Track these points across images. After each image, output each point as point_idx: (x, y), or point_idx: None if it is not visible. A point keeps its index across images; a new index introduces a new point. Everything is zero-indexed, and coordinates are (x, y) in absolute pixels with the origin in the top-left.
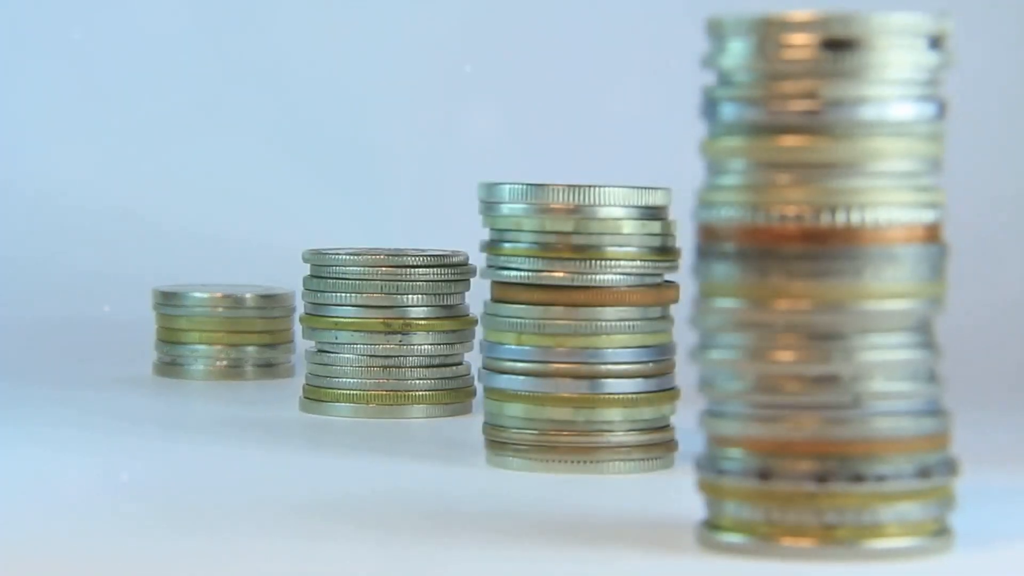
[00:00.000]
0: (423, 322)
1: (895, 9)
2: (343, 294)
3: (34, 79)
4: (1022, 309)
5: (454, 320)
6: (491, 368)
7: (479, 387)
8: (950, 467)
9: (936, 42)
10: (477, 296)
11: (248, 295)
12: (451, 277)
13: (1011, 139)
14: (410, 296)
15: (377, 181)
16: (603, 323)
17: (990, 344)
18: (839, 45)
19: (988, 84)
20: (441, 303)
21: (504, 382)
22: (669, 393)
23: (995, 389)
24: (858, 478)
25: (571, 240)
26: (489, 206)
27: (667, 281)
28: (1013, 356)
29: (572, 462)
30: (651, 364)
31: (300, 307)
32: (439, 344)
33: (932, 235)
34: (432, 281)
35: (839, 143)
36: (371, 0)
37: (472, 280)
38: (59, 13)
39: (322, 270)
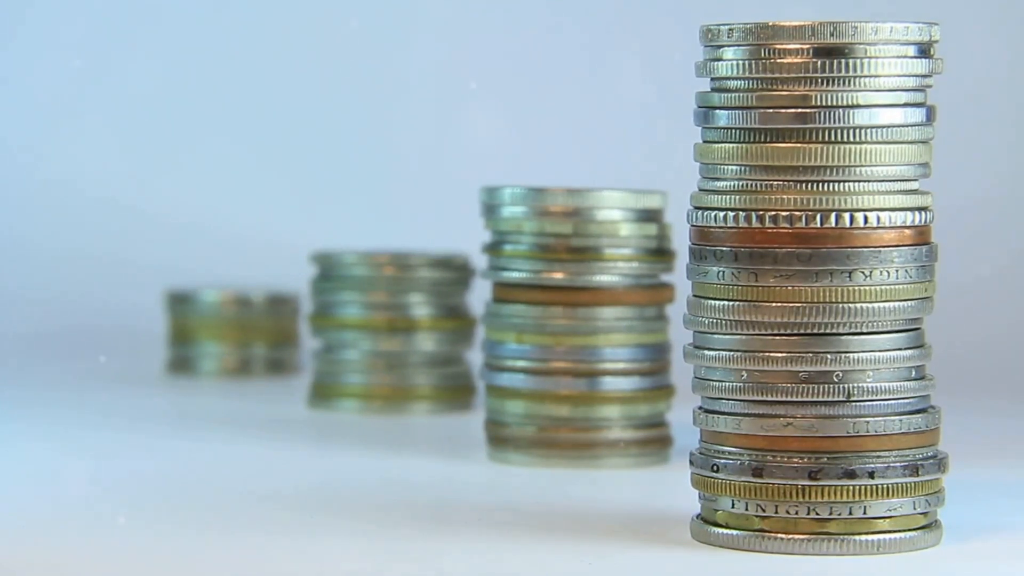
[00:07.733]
0: (426, 322)
1: (885, 18)
2: (349, 294)
3: (36, 79)
4: (1008, 306)
5: (456, 320)
6: (492, 366)
7: (481, 385)
8: (939, 463)
9: (925, 50)
10: (479, 297)
11: (257, 296)
12: (453, 278)
13: (1000, 143)
14: (414, 296)
15: (382, 185)
16: (601, 323)
17: (979, 341)
18: (831, 52)
19: (975, 90)
20: (444, 303)
21: (505, 380)
22: (665, 391)
23: (984, 385)
24: (849, 474)
25: (570, 242)
26: (490, 209)
27: (663, 282)
28: (1002, 353)
29: (571, 457)
30: (647, 362)
31: (306, 307)
32: (442, 343)
33: (921, 236)
34: (435, 282)
35: (830, 147)
36: (376, 3)
37: (473, 281)
38: (70, 9)
39: (329, 271)
